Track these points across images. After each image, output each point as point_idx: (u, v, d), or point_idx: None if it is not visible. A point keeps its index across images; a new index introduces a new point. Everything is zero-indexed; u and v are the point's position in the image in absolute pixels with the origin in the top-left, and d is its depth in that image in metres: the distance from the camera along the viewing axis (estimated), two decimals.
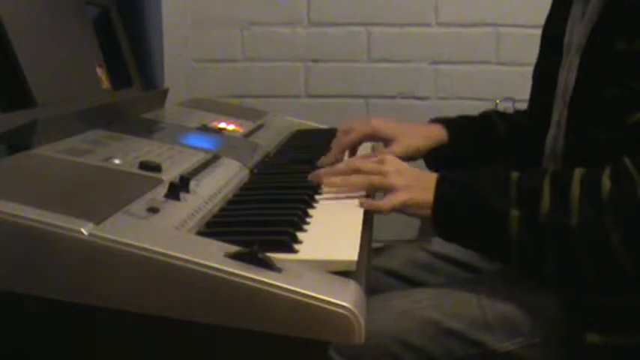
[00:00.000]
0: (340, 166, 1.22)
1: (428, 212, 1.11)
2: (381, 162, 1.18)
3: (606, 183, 1.03)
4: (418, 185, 1.12)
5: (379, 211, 1.11)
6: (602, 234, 1.02)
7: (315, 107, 2.25)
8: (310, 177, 1.21)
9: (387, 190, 1.14)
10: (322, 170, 1.23)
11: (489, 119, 1.50)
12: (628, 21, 1.09)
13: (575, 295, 1.09)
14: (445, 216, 1.11)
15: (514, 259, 1.08)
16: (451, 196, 1.10)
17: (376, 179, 1.15)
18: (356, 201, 1.13)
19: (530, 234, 1.05)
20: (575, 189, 1.04)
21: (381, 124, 1.42)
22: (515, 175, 1.10)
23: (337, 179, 1.17)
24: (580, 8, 1.21)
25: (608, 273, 1.05)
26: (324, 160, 1.37)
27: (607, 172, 1.04)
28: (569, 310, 1.10)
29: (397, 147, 1.37)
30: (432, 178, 1.13)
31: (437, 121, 1.47)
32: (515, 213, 1.06)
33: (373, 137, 1.43)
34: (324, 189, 1.18)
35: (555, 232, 1.04)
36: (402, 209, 1.12)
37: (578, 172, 1.06)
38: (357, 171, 1.17)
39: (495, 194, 1.08)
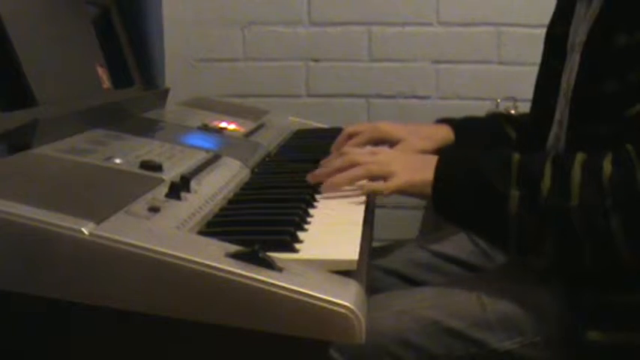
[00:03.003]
0: (336, 162, 1.21)
1: (428, 191, 1.11)
2: (375, 152, 1.19)
3: (607, 167, 1.03)
4: (417, 166, 1.13)
5: (379, 194, 1.11)
6: (601, 217, 1.02)
7: (316, 107, 2.25)
8: (308, 178, 1.20)
9: (385, 176, 1.14)
10: (319, 171, 1.22)
11: (496, 121, 1.50)
12: (628, 15, 1.09)
13: (576, 293, 1.09)
14: (445, 194, 1.11)
15: (512, 239, 1.08)
16: (451, 174, 1.11)
17: (375, 167, 1.15)
18: (357, 199, 1.13)
19: (529, 215, 1.05)
20: (576, 172, 1.05)
21: (386, 127, 1.42)
22: (516, 156, 1.10)
23: (337, 179, 1.16)
24: (583, 8, 1.21)
25: (605, 258, 1.05)
26: (325, 162, 1.36)
27: (608, 157, 1.05)
28: (570, 308, 1.10)
29: (403, 149, 1.37)
30: (431, 158, 1.14)
31: (443, 121, 1.47)
32: (515, 193, 1.06)
33: (379, 141, 1.43)
34: (325, 188, 1.17)
35: (555, 213, 1.04)
36: (403, 190, 1.12)
37: (579, 157, 1.07)
38: (354, 164, 1.17)
39: (496, 174, 1.08)
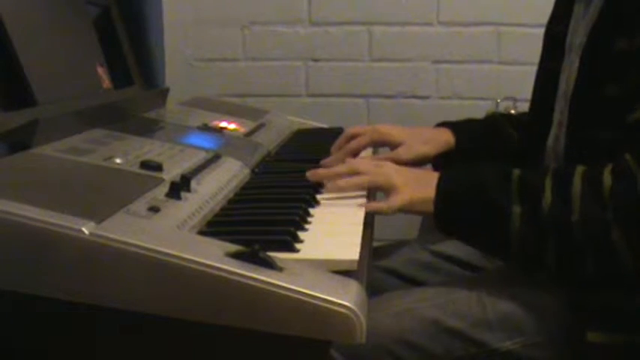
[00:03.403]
0: (340, 167, 1.21)
1: (430, 208, 1.11)
2: (380, 165, 1.19)
3: (607, 179, 1.03)
4: (419, 183, 1.13)
5: (380, 213, 1.11)
6: (602, 230, 1.02)
7: (316, 106, 2.25)
8: (308, 175, 1.21)
9: (388, 189, 1.14)
10: (321, 170, 1.23)
11: (496, 123, 1.49)
12: (628, 19, 1.09)
13: (576, 294, 1.09)
14: (446, 210, 1.11)
15: (514, 255, 1.08)
16: (452, 190, 1.11)
17: (377, 178, 1.15)
18: (357, 200, 1.13)
19: (531, 230, 1.05)
20: (577, 185, 1.04)
21: (388, 130, 1.41)
22: (517, 171, 1.10)
23: (341, 183, 1.16)
24: (582, 8, 1.21)
25: (608, 270, 1.05)
26: (325, 162, 1.36)
27: (608, 168, 1.05)
28: (570, 309, 1.10)
29: (404, 152, 1.36)
30: (432, 175, 1.14)
31: (444, 125, 1.46)
32: (516, 209, 1.06)
33: (380, 143, 1.43)
34: (326, 189, 1.18)
35: (556, 228, 1.04)
36: (405, 209, 1.12)
37: (579, 169, 1.07)
38: (356, 172, 1.17)
39: (497, 190, 1.08)
